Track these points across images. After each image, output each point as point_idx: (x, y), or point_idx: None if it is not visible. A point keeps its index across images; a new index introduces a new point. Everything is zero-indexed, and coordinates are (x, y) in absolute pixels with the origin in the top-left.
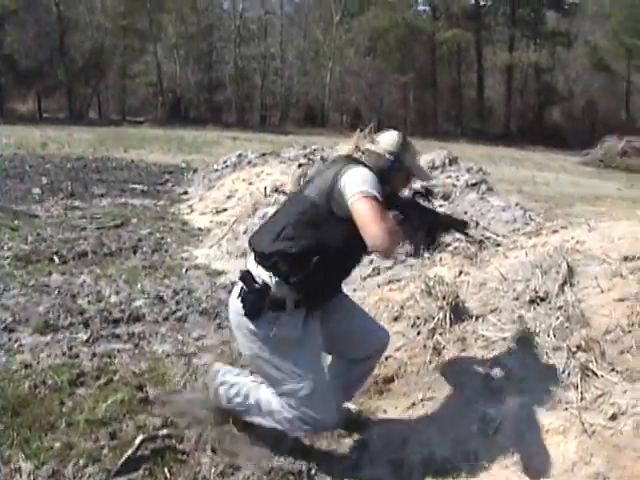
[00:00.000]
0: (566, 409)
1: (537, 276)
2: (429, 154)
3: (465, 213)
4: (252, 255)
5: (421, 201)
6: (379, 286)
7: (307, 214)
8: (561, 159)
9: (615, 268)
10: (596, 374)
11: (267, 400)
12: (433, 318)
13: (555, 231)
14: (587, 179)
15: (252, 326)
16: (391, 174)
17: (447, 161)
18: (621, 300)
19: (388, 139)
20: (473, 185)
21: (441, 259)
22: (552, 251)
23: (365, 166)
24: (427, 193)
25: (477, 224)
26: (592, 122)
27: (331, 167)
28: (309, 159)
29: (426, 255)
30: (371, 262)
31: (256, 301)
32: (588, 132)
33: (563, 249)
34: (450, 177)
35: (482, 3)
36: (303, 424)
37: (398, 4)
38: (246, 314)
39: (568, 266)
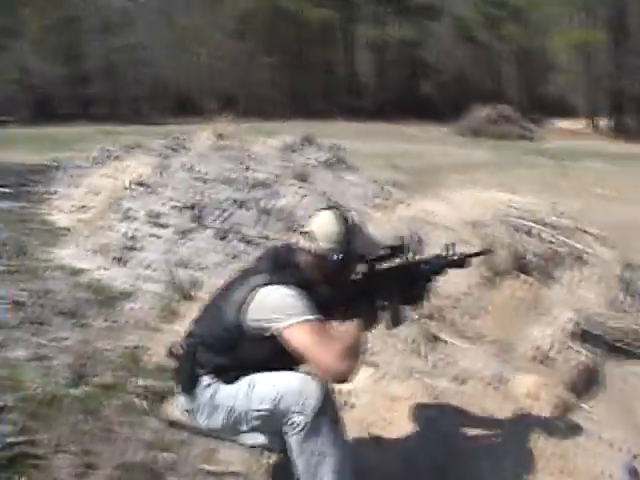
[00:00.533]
0: (415, 377)
1: None
2: (284, 135)
3: (323, 192)
4: None
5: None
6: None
7: (225, 332)
8: (434, 130)
9: (461, 235)
10: (444, 340)
11: None
12: None
13: (404, 202)
14: (458, 148)
15: None
16: (340, 270)
17: (303, 140)
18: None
19: (328, 232)
20: (329, 163)
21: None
22: (400, 222)
23: (286, 282)
24: (392, 255)
25: (333, 202)
26: (462, 92)
27: (249, 278)
28: (173, 149)
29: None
30: (227, 248)
31: None
32: (459, 102)
33: (412, 220)
34: (306, 157)
35: None
36: None
37: None
38: None
39: (417, 236)
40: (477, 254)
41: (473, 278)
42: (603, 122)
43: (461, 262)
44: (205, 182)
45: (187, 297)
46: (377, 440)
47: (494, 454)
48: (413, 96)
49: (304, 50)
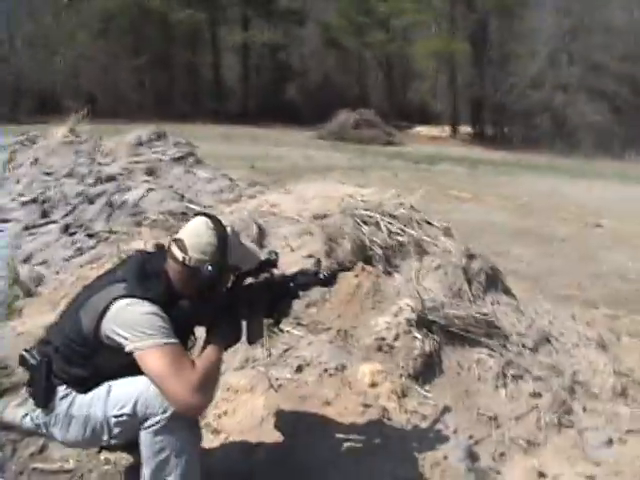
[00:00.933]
0: (254, 367)
1: None
2: (137, 131)
3: (171, 187)
4: None
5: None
6: (81, 266)
7: (82, 340)
8: (298, 134)
9: (305, 227)
10: (285, 330)
11: None
12: None
13: (253, 197)
14: (320, 152)
15: None
16: (211, 283)
17: (154, 136)
18: (310, 256)
19: (201, 243)
20: (179, 158)
21: (140, 232)
22: (245, 215)
23: (148, 297)
24: (261, 269)
25: (182, 197)
26: (327, 97)
27: (111, 287)
28: (23, 145)
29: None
30: (73, 243)
31: None
32: (324, 107)
33: (256, 212)
34: (157, 152)
35: None
36: None
37: None
38: None
39: (259, 228)
40: (341, 270)
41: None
42: (464, 129)
43: (327, 281)
44: (53, 177)
45: (29, 294)
46: (217, 433)
47: (334, 445)
48: (278, 100)
49: (170, 52)
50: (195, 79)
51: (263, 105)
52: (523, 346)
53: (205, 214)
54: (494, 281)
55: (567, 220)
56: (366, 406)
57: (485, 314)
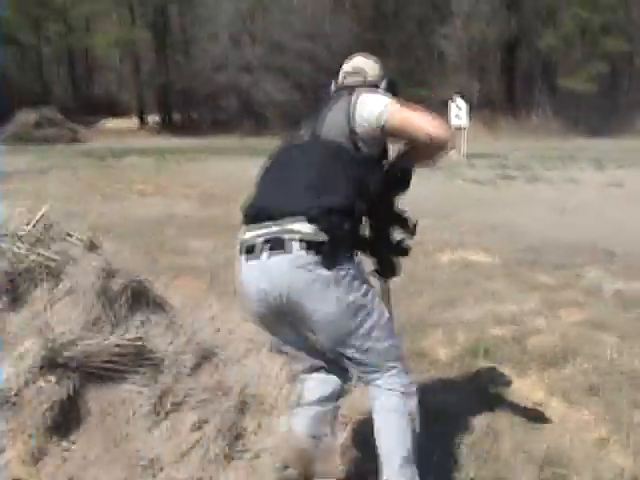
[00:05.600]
0: None
1: None
2: None
3: None
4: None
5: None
6: None
7: (338, 159)
8: None
9: None
10: None
11: None
12: None
13: None
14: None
15: (334, 273)
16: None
17: None
18: None
19: (371, 64)
20: None
21: None
22: None
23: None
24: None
25: None
26: (9, 96)
27: (338, 101)
28: None
29: None
30: None
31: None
32: (4, 108)
33: None
34: None
35: None
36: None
37: None
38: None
39: None
40: None
41: None
42: (152, 119)
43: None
44: None
45: None
46: None
47: None
48: None
49: None
50: None
51: None
52: (183, 367)
53: None
54: (142, 297)
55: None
56: None
57: (132, 339)
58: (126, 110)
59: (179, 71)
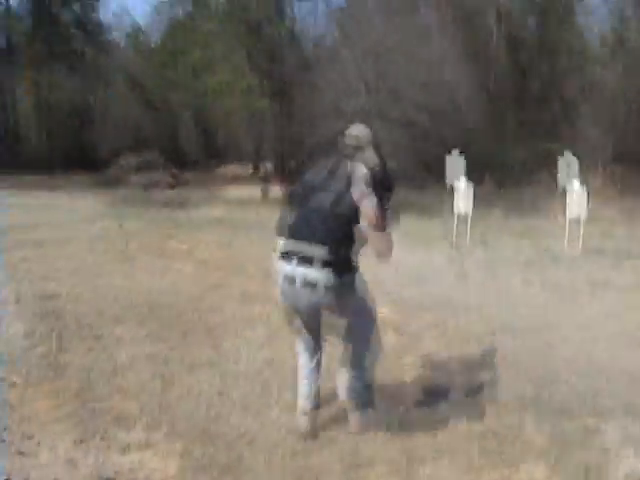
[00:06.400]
0: None
1: None
2: None
3: None
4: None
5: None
6: None
7: (348, 208)
8: (81, 180)
9: None
10: None
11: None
12: None
13: None
14: (84, 199)
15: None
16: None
17: None
18: None
19: (365, 133)
20: None
21: None
22: None
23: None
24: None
25: None
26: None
27: (343, 161)
28: None
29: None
30: None
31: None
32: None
33: None
34: None
35: None
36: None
37: None
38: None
39: None
40: None
41: None
42: (265, 166)
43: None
44: None
45: None
46: None
47: None
48: (78, 145)
49: None
50: None
51: (62, 150)
52: None
53: None
54: None
55: None
56: None
57: None
58: (242, 157)
59: (295, 121)
